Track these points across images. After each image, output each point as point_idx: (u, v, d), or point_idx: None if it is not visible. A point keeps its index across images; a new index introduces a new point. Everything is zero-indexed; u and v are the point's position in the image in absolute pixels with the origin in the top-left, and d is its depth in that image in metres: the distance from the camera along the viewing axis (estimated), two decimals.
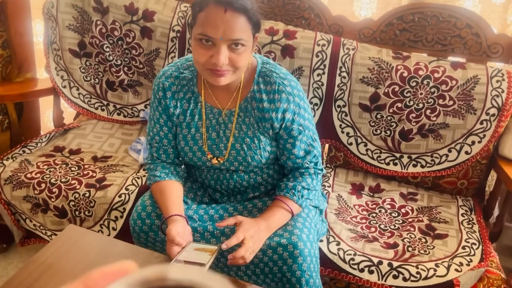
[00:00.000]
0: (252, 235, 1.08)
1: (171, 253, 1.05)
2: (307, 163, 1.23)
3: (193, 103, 1.22)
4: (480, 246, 1.35)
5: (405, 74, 1.55)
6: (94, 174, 1.56)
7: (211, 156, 1.23)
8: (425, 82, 1.54)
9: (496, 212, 1.60)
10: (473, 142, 1.54)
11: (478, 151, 1.54)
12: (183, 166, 1.33)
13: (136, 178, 1.55)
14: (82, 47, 1.83)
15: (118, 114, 1.90)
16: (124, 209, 1.46)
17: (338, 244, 1.34)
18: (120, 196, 1.47)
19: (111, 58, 1.82)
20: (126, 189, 1.49)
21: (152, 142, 1.28)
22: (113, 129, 1.88)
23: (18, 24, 1.89)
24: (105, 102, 1.90)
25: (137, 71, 1.83)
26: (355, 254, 1.31)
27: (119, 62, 1.82)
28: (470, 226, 1.47)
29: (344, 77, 1.61)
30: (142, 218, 1.21)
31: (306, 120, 1.19)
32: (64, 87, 1.87)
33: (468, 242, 1.38)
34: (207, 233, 1.19)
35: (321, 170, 1.26)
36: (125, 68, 1.83)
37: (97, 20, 1.78)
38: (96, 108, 1.90)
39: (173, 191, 1.21)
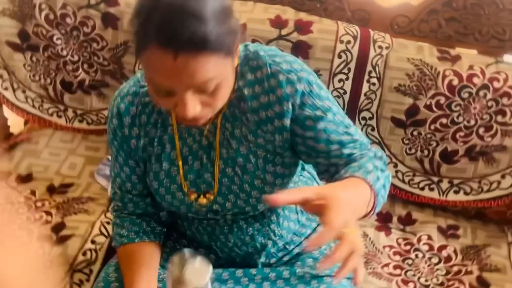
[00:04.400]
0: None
1: None
2: (351, 153, 0.81)
3: (161, 127, 0.85)
4: None
5: (455, 82, 1.19)
6: (50, 218, 1.20)
7: (196, 195, 0.86)
8: (481, 93, 1.19)
9: None
10: None
11: None
12: (162, 214, 0.98)
13: (105, 223, 1.19)
14: (24, 38, 1.38)
15: (80, 122, 1.49)
16: (91, 271, 1.11)
17: None
18: (84, 254, 1.12)
19: (64, 52, 1.39)
20: (92, 242, 1.14)
21: (114, 186, 0.94)
22: (74, 142, 1.49)
23: None
24: (61, 107, 1.48)
25: (101, 69, 1.40)
26: None
27: (75, 58, 1.39)
28: None
29: (374, 84, 1.24)
30: None
31: (326, 100, 0.81)
32: (6, 89, 1.44)
33: None
34: None
35: (382, 153, 0.84)
36: (85, 66, 1.40)
37: (41, 3, 1.32)
38: (51, 115, 1.49)
39: (143, 258, 0.88)
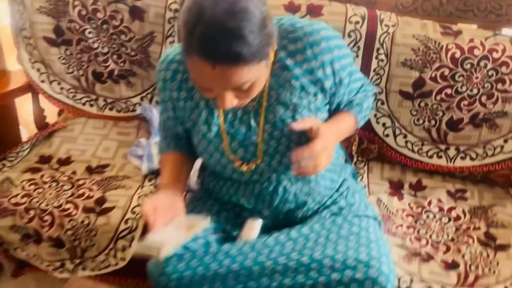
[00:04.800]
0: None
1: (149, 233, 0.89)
2: (364, 88, 1.08)
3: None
4: None
5: (458, 54, 1.30)
6: (92, 194, 1.32)
7: (240, 162, 0.98)
8: (481, 63, 1.29)
9: None
10: None
11: None
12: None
13: (143, 196, 1.30)
14: (59, 33, 1.51)
15: (110, 109, 1.62)
16: (133, 237, 1.23)
17: None
18: (126, 223, 1.24)
19: (95, 45, 1.51)
20: (133, 213, 1.26)
21: (160, 127, 1.10)
22: (106, 128, 1.61)
23: None
24: (93, 97, 1.60)
25: (129, 60, 1.53)
26: (412, 281, 1.12)
27: (105, 50, 1.52)
28: None
29: (382, 60, 1.35)
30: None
31: (349, 57, 0.99)
32: (43, 81, 1.57)
33: None
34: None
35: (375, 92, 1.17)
36: (114, 57, 1.53)
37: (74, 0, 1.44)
38: (84, 104, 1.61)
39: (172, 161, 1.05)
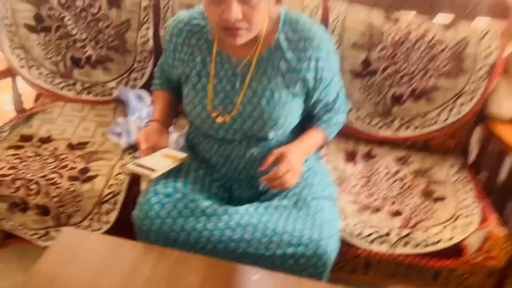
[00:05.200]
0: (292, 157, 1.08)
1: (139, 156, 1.11)
2: (338, 104, 1.23)
3: (206, 50, 1.12)
4: (479, 206, 1.39)
5: (397, 38, 1.52)
6: (75, 165, 1.43)
7: (217, 113, 1.13)
8: (416, 45, 1.51)
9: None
10: (463, 103, 1.55)
11: (468, 111, 1.56)
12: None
13: (125, 165, 1.43)
14: (39, 20, 1.61)
15: (88, 94, 1.73)
16: (116, 201, 1.35)
17: (345, 219, 1.32)
18: (110, 187, 1.35)
19: (74, 32, 1.63)
20: (115, 179, 1.38)
21: (158, 68, 1.31)
22: (84, 111, 1.72)
23: None
24: (71, 81, 1.71)
25: (107, 46, 1.65)
26: (364, 227, 1.30)
27: (84, 36, 1.63)
28: (464, 185, 1.50)
29: (335, 43, 1.54)
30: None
31: (334, 63, 1.16)
32: (22, 67, 1.66)
33: (466, 203, 1.41)
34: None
35: (347, 107, 1.30)
36: (92, 43, 1.65)
37: None
38: (61, 89, 1.72)
39: (163, 99, 1.26)
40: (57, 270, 0.99)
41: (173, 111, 1.28)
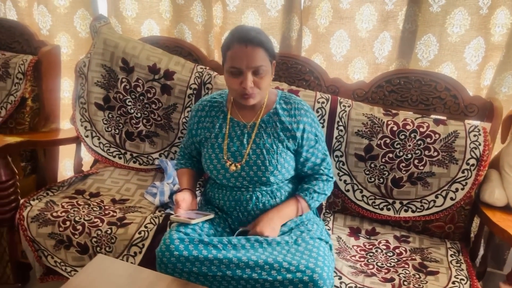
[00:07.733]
0: (263, 225, 1.40)
1: (175, 212, 1.41)
2: (322, 170, 1.53)
3: (222, 119, 1.50)
4: (468, 282, 1.49)
5: (395, 128, 1.78)
6: (115, 214, 1.70)
7: (230, 162, 1.44)
8: (412, 135, 1.76)
9: (481, 252, 1.74)
10: (457, 189, 1.73)
11: (462, 197, 1.72)
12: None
13: (154, 218, 1.68)
14: (106, 101, 2.04)
15: (134, 162, 2.07)
16: (143, 245, 1.59)
17: (340, 278, 1.47)
18: (140, 233, 1.60)
19: (132, 111, 2.03)
20: (145, 227, 1.63)
21: (181, 146, 1.69)
22: (129, 176, 2.04)
23: (49, 81, 2.12)
24: (122, 151, 2.07)
25: (155, 123, 2.03)
26: (355, 287, 1.44)
27: (139, 114, 2.03)
28: (458, 265, 1.61)
29: (341, 131, 1.83)
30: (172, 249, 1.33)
31: (319, 133, 1.52)
32: (87, 136, 2.05)
33: (458, 278, 1.51)
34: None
35: (332, 178, 1.56)
36: (144, 120, 2.03)
37: (123, 78, 2.01)
38: (114, 156, 2.07)
39: (188, 173, 1.60)
40: (86, 284, 1.21)
41: (196, 182, 1.64)
